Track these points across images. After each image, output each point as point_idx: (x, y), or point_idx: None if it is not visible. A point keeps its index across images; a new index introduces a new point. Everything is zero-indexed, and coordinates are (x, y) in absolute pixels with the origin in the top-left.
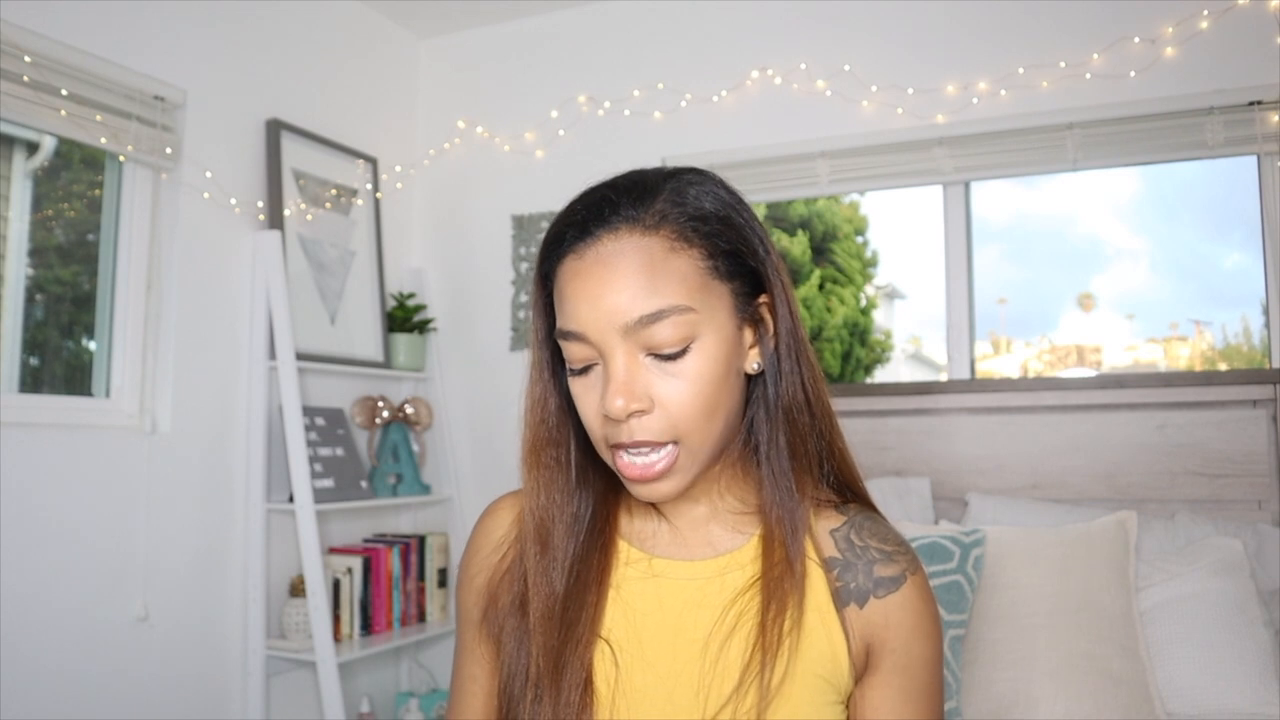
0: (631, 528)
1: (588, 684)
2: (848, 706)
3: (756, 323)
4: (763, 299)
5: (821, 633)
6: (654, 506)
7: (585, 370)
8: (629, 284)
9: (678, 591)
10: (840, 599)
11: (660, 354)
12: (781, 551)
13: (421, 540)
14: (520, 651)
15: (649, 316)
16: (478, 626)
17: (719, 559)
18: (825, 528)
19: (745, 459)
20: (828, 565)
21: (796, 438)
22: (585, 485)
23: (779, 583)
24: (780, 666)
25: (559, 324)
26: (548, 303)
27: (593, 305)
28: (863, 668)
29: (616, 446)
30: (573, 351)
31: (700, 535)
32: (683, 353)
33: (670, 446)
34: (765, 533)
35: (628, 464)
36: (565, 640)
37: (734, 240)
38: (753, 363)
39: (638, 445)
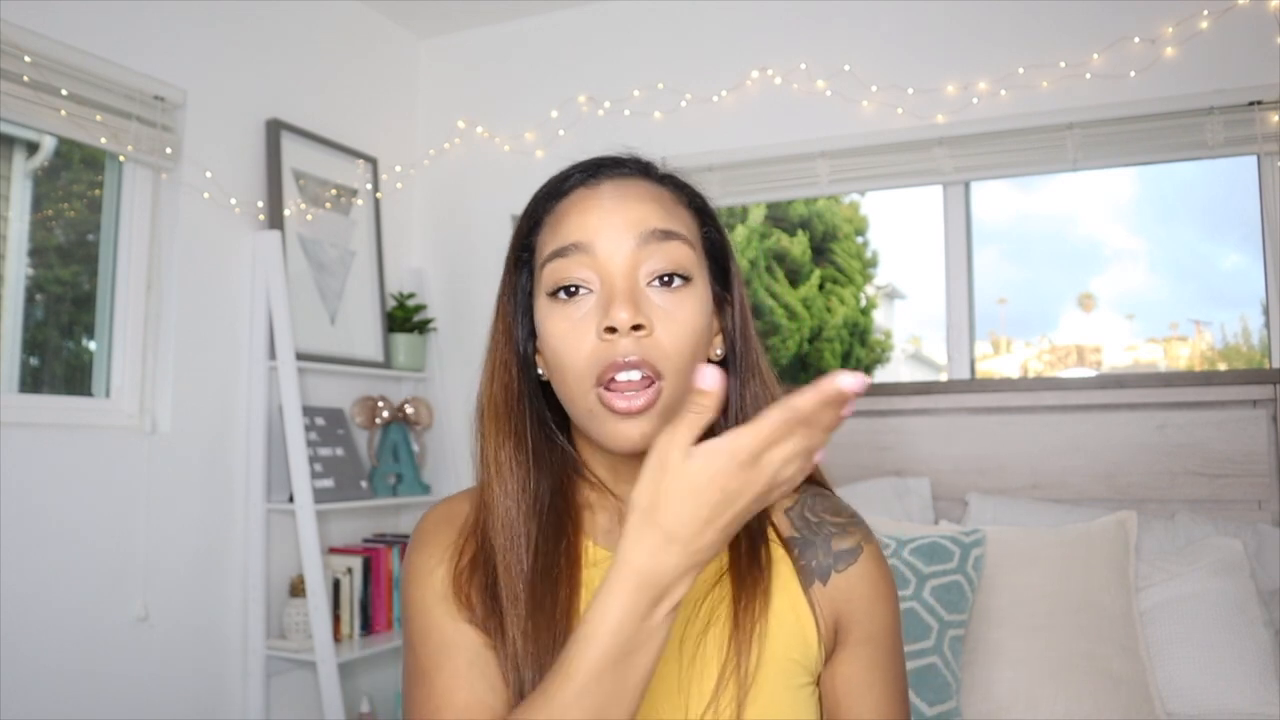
0: (594, 524)
1: None
2: (818, 684)
3: (720, 309)
4: (727, 292)
5: (791, 616)
6: (612, 494)
7: (574, 298)
8: (646, 205)
9: None
10: (805, 578)
11: (664, 277)
12: (746, 540)
13: None
14: (500, 645)
15: (663, 232)
16: (451, 601)
17: None
18: (780, 508)
19: None
20: (788, 546)
21: None
22: (541, 468)
23: (747, 571)
24: (754, 654)
25: (555, 245)
26: (525, 259)
27: (608, 218)
28: (832, 644)
29: (609, 372)
30: (568, 270)
31: None
32: (684, 284)
33: (655, 385)
34: None
35: (614, 396)
36: (539, 633)
37: (716, 228)
38: (716, 348)
39: (634, 367)
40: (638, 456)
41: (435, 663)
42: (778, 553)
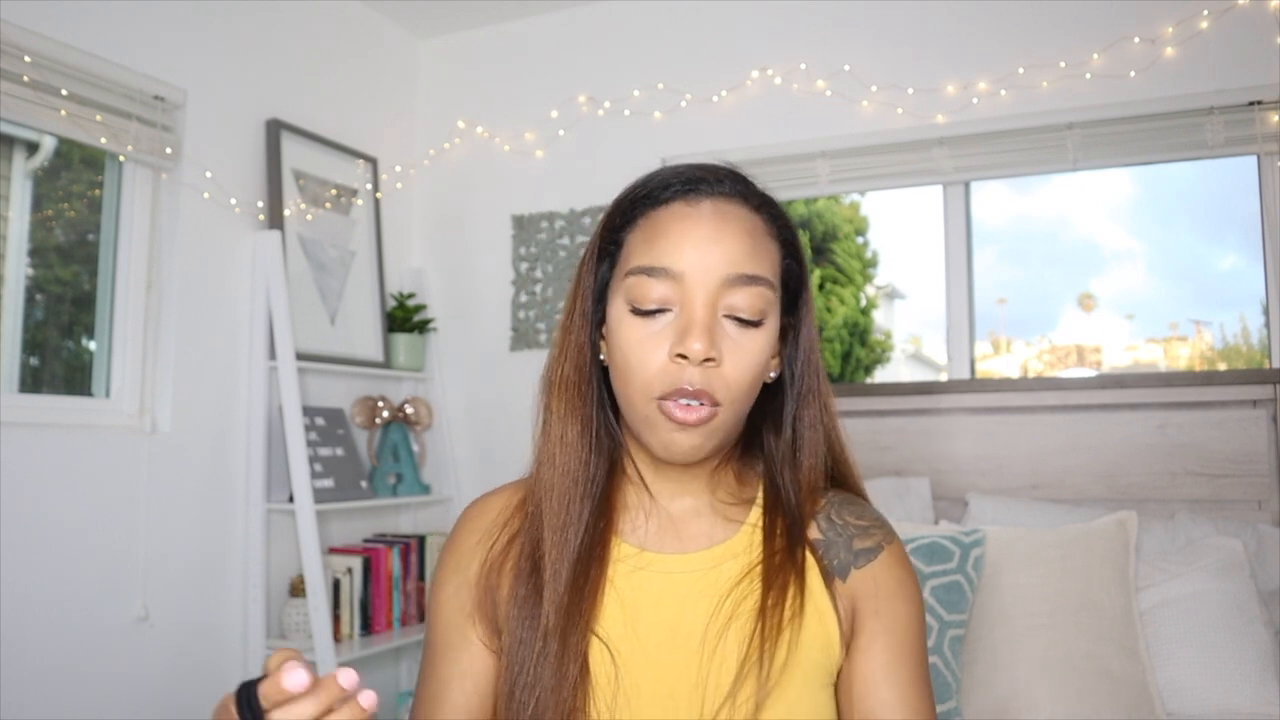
0: (622, 519)
1: (584, 670)
2: (836, 684)
3: (784, 335)
4: (792, 317)
5: (815, 616)
6: (647, 490)
7: (654, 314)
8: (740, 242)
9: (673, 585)
10: (827, 577)
11: (740, 318)
12: (783, 541)
13: (421, 540)
14: (531, 613)
15: (749, 277)
16: (470, 616)
17: (713, 550)
18: (808, 513)
19: (740, 459)
20: (813, 548)
21: (808, 448)
22: (600, 450)
23: (779, 571)
24: (781, 654)
25: (645, 260)
26: (610, 251)
27: (701, 250)
28: (850, 639)
29: (672, 395)
30: (652, 290)
31: (693, 527)
32: (757, 325)
33: (712, 409)
34: (766, 523)
35: (675, 406)
36: (572, 611)
37: (797, 254)
38: (772, 370)
39: (697, 395)
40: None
41: (428, 674)
42: (807, 556)
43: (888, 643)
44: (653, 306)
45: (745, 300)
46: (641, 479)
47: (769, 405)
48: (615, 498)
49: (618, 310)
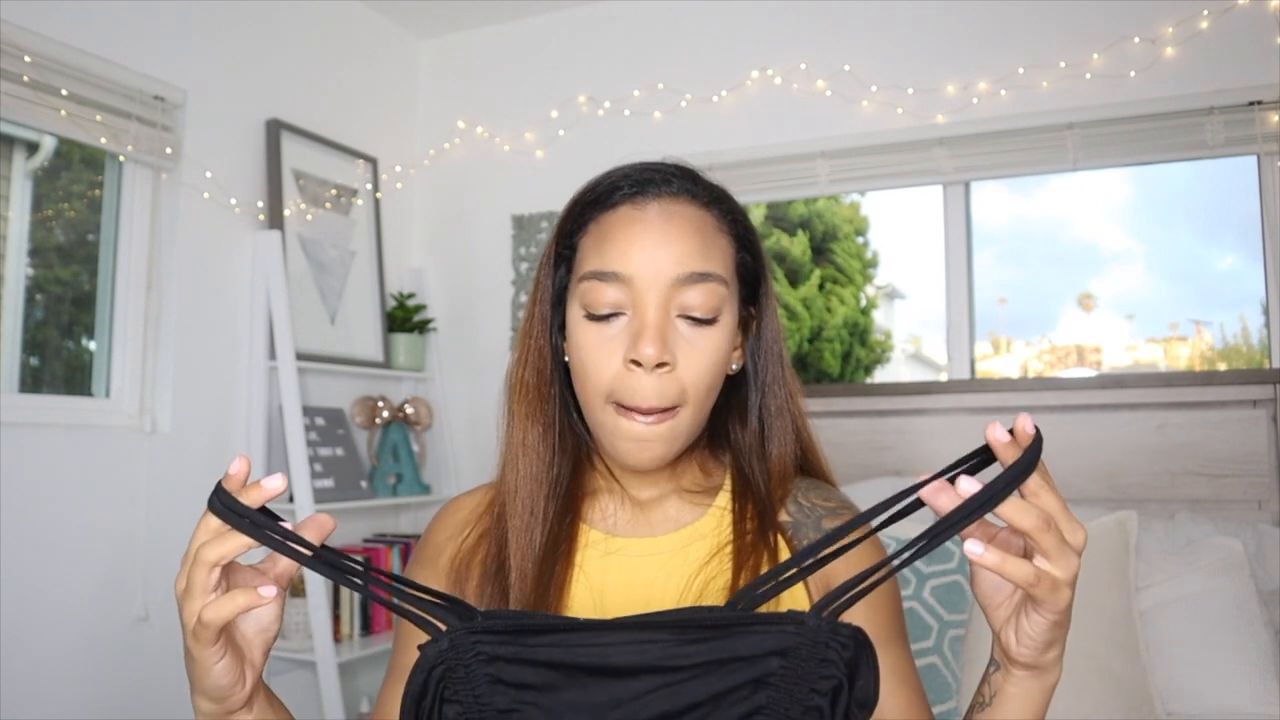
0: (593, 508)
1: None
2: None
3: (745, 327)
4: (753, 309)
5: (788, 598)
6: (616, 482)
7: (608, 318)
8: (687, 242)
9: (642, 568)
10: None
11: (693, 316)
12: (753, 524)
13: None
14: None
15: (698, 275)
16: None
17: (680, 532)
18: (775, 498)
19: (704, 449)
20: (781, 530)
21: (776, 438)
22: (564, 450)
23: (750, 551)
24: None
25: (595, 265)
26: (566, 255)
27: (649, 253)
28: None
29: (627, 405)
30: (604, 295)
31: (660, 512)
32: (711, 322)
33: (671, 411)
34: (735, 508)
35: (629, 422)
36: (537, 605)
37: (753, 246)
38: (735, 362)
39: (649, 411)
40: None
41: (399, 667)
42: (777, 539)
43: (867, 615)
44: (606, 311)
45: (698, 298)
46: (609, 470)
47: (733, 397)
48: (584, 485)
49: (574, 315)
